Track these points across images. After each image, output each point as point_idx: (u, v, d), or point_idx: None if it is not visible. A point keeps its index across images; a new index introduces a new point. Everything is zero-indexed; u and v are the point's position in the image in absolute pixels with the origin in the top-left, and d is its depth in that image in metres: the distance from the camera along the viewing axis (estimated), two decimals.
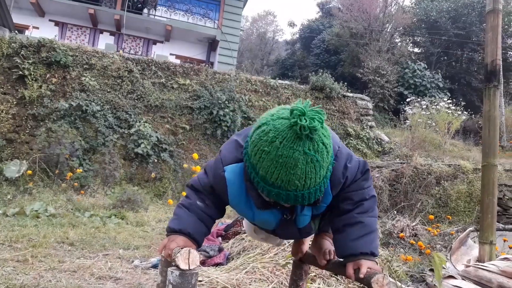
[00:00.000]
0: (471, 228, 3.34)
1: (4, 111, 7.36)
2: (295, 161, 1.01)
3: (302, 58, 23.79)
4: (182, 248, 1.02)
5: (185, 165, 7.12)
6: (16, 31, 8.80)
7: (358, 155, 9.09)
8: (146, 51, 13.85)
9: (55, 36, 10.03)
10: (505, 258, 2.69)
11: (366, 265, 1.20)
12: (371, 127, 9.60)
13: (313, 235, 1.51)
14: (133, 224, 5.02)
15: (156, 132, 7.79)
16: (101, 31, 13.83)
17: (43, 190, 6.23)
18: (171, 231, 1.28)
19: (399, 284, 2.59)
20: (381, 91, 14.07)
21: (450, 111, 8.84)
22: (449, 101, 9.69)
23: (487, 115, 2.91)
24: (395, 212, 6.44)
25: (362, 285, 1.26)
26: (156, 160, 7.48)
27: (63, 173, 6.61)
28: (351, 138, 9.18)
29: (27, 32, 12.71)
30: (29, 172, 6.45)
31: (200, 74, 8.72)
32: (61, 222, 4.39)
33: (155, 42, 14.11)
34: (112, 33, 13.85)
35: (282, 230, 1.30)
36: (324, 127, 1.07)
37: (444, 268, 2.88)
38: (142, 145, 7.37)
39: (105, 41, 13.25)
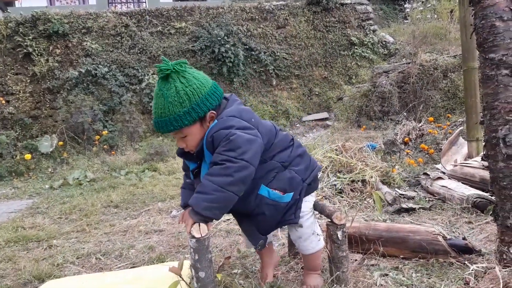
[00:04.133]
0: (461, 128, 3.63)
1: (21, 91, 7.75)
2: (155, 94, 1.52)
3: None
4: (194, 223, 1.41)
5: None
6: (7, 9, 8.86)
7: (365, 62, 9.16)
8: None
9: (51, 4, 10.00)
10: None
11: (187, 219, 1.45)
12: (374, 31, 9.49)
13: None
14: (165, 173, 5.53)
15: None
16: None
17: (77, 158, 6.79)
18: (182, 207, 1.73)
19: (398, 191, 2.99)
20: None
21: None
22: None
23: (462, 21, 3.06)
24: (405, 114, 6.71)
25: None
26: None
27: (91, 138, 7.12)
28: (356, 47, 9.17)
29: (17, 4, 12.67)
30: (60, 143, 6.99)
31: (194, 13, 8.70)
32: (102, 186, 4.93)
33: None
34: None
35: (195, 179, 1.65)
36: (186, 80, 1.49)
37: (438, 169, 3.25)
38: None
39: None
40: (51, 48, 7.99)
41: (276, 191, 1.56)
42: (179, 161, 6.23)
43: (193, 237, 1.37)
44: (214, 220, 1.55)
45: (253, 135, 1.49)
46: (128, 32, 8.27)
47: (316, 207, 1.64)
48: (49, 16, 7.97)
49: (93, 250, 2.52)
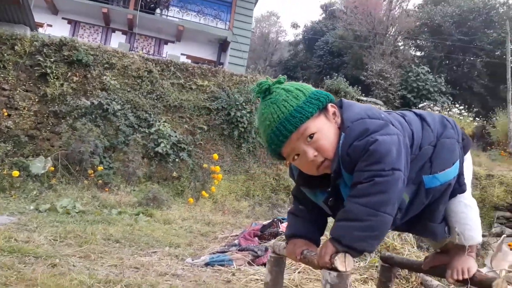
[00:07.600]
0: (504, 235, 3.49)
1: (26, 108, 7.45)
2: (260, 115, 1.29)
3: (305, 59, 23.94)
4: (338, 252, 1.13)
5: (205, 165, 7.24)
6: (37, 30, 8.89)
7: None
8: (158, 50, 13.96)
9: (74, 36, 10.08)
10: None
11: (326, 247, 1.18)
12: None
13: None
14: (160, 222, 5.14)
15: (175, 132, 7.91)
16: (113, 30, 13.92)
17: (66, 187, 6.33)
18: (287, 237, 1.43)
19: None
20: (385, 94, 14.22)
21: (462, 117, 9.00)
22: (461, 107, 9.83)
23: None
24: None
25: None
26: (175, 159, 7.60)
27: (85, 171, 6.72)
28: None
29: (41, 30, 12.81)
30: (52, 168, 6.55)
31: (218, 75, 8.84)
32: (95, 219, 4.51)
33: (166, 42, 14.21)
34: (124, 32, 13.96)
35: (333, 211, 1.31)
36: (290, 83, 1.29)
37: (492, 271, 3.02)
38: (162, 145, 7.48)
39: (117, 40, 13.36)
40: (69, 74, 7.87)
41: (445, 170, 1.30)
42: (175, 212, 5.87)
43: (334, 269, 1.10)
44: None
45: (391, 133, 1.19)
46: (150, 77, 8.27)
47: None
48: (77, 45, 7.97)
49: (114, 279, 2.13)
